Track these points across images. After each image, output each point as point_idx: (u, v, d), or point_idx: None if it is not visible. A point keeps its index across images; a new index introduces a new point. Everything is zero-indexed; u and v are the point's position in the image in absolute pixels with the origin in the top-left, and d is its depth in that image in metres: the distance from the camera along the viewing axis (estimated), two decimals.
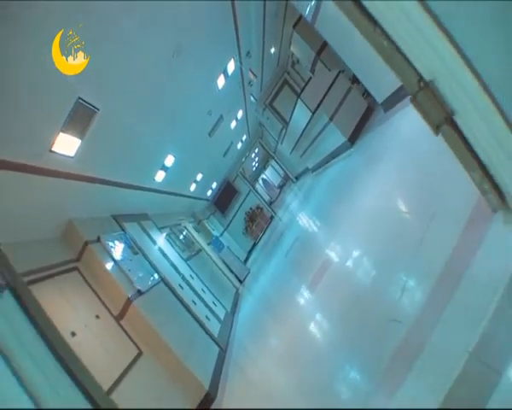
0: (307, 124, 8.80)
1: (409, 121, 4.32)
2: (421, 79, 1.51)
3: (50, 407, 1.60)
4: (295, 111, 9.50)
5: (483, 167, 1.60)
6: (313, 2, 5.90)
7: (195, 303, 6.91)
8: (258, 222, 19.80)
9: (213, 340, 6.22)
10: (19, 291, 1.65)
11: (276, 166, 23.12)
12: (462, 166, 1.63)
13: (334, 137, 7.62)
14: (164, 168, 8.06)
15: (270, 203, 21.66)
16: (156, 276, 6.15)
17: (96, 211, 5.91)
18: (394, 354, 1.85)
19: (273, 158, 21.38)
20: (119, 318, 4.80)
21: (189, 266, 8.81)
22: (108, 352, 4.29)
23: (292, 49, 11.30)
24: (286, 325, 5.21)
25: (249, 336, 6.88)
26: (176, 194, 10.52)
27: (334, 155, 8.58)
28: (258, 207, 20.08)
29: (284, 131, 12.88)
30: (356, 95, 7.39)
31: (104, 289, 4.89)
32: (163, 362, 4.77)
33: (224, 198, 19.14)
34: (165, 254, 7.70)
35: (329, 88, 7.74)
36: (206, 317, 6.86)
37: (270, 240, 14.63)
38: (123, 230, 6.48)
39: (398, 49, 1.47)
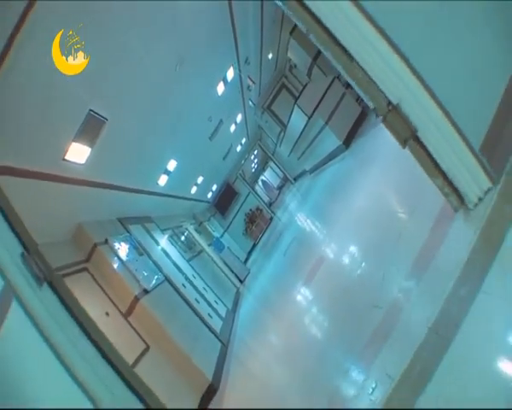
0: (304, 127, 9.08)
1: None
2: (389, 102, 1.84)
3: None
4: (292, 115, 9.75)
5: (443, 174, 1.92)
6: None
7: (198, 301, 7.20)
8: (257, 223, 19.86)
9: (216, 336, 6.52)
10: (54, 284, 1.97)
11: (275, 168, 23.21)
12: (426, 174, 1.95)
13: (330, 141, 7.90)
14: (167, 172, 8.37)
15: (270, 204, 21.64)
16: (160, 275, 6.44)
17: (103, 214, 6.23)
18: (374, 332, 2.19)
19: (272, 160, 21.43)
20: (127, 315, 5.07)
21: (191, 266, 9.06)
22: (118, 346, 4.58)
23: (289, 54, 11.49)
24: (283, 320, 5.50)
25: (249, 332, 7.20)
26: (178, 197, 10.79)
27: (329, 157, 8.85)
28: (257, 209, 20.13)
29: (282, 133, 13.02)
30: (350, 100, 7.67)
31: (113, 288, 5.15)
32: (169, 356, 5.05)
33: (224, 200, 19.25)
34: (168, 255, 7.98)
35: (325, 93, 8.05)
36: (209, 314, 7.14)
37: (270, 240, 14.88)
38: (128, 232, 6.75)
39: (370, 78, 1.80)
